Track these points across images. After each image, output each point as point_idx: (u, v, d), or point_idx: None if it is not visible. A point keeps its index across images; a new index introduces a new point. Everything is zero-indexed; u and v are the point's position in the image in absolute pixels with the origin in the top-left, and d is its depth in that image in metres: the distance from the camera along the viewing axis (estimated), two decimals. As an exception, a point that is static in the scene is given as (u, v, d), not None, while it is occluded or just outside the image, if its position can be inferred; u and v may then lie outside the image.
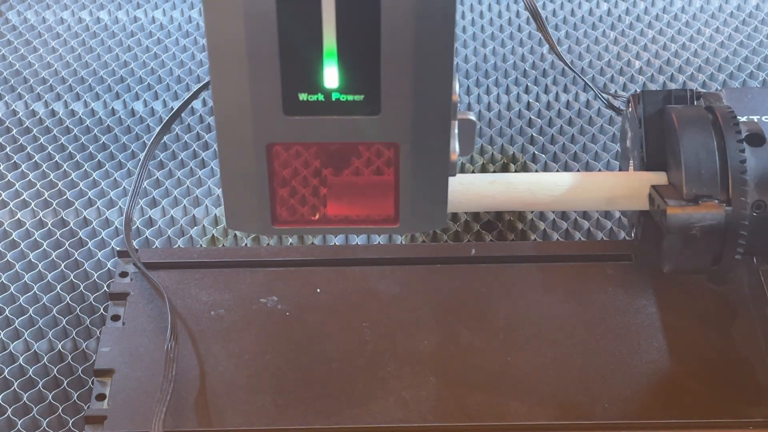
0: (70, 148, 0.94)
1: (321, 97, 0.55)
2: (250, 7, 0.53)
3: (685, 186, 0.68)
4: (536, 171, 0.92)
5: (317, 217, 0.61)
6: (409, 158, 0.58)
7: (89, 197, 0.90)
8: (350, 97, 0.55)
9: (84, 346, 0.77)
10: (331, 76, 0.55)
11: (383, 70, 0.54)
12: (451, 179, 0.72)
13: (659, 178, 0.72)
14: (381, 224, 0.62)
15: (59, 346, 0.78)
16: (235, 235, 0.86)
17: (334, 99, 0.55)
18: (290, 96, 0.55)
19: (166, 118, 0.91)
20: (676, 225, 0.68)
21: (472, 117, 0.61)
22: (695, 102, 0.74)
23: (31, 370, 0.76)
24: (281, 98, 0.55)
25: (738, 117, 0.70)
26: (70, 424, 0.73)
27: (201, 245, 0.86)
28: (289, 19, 0.53)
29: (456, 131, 0.59)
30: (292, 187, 0.60)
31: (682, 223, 0.67)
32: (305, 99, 0.56)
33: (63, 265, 0.83)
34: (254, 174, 0.58)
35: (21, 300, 0.80)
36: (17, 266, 0.83)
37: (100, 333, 0.76)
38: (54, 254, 0.84)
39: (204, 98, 0.99)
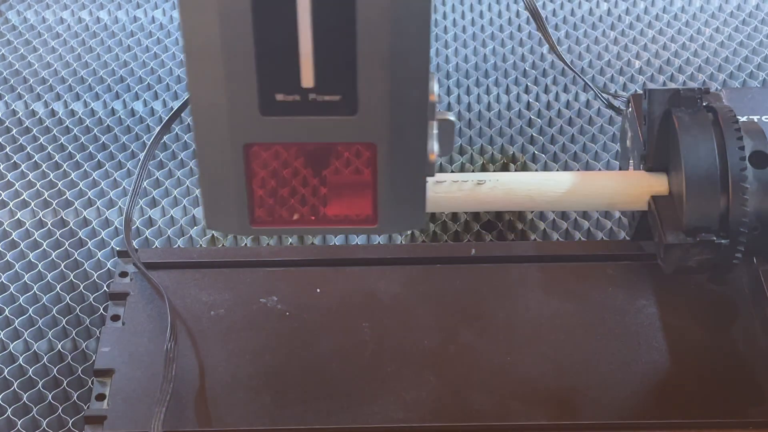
0: (70, 148, 0.94)
1: (298, 96, 0.55)
2: (225, 6, 0.52)
3: (685, 218, 0.68)
4: (536, 171, 0.92)
5: (296, 217, 0.61)
6: (387, 158, 0.57)
7: (89, 197, 0.90)
8: (327, 97, 0.55)
9: (84, 346, 0.77)
10: (307, 76, 0.54)
11: (359, 69, 0.54)
12: (447, 179, 0.72)
13: (659, 180, 0.72)
14: (359, 224, 0.61)
15: (59, 346, 0.78)
16: (235, 235, 0.86)
17: (310, 99, 0.55)
18: (267, 96, 0.55)
19: (166, 118, 0.91)
20: (673, 258, 0.68)
21: (451, 117, 0.60)
22: (702, 100, 0.73)
23: (31, 370, 0.76)
24: (258, 98, 0.55)
25: (738, 117, 0.70)
26: (70, 424, 0.73)
27: (201, 245, 0.85)
28: (264, 17, 0.53)
29: (435, 131, 0.59)
30: (270, 187, 0.59)
31: (679, 257, 0.68)
32: (282, 99, 0.55)
33: (63, 265, 0.83)
34: (232, 174, 0.58)
35: (21, 300, 0.80)
36: (17, 266, 0.83)
37: (99, 333, 0.76)
38: (54, 254, 0.84)
39: (204, 98, 0.99)
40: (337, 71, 0.54)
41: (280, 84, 0.55)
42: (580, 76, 0.94)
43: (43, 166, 0.92)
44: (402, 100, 0.55)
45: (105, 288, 0.81)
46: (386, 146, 0.57)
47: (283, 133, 0.57)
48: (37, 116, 0.98)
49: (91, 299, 0.80)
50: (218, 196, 0.60)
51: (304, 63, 0.54)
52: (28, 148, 0.94)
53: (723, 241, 0.67)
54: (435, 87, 0.57)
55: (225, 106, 0.55)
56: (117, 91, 1.01)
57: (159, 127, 0.90)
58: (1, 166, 0.93)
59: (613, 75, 1.02)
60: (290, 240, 0.86)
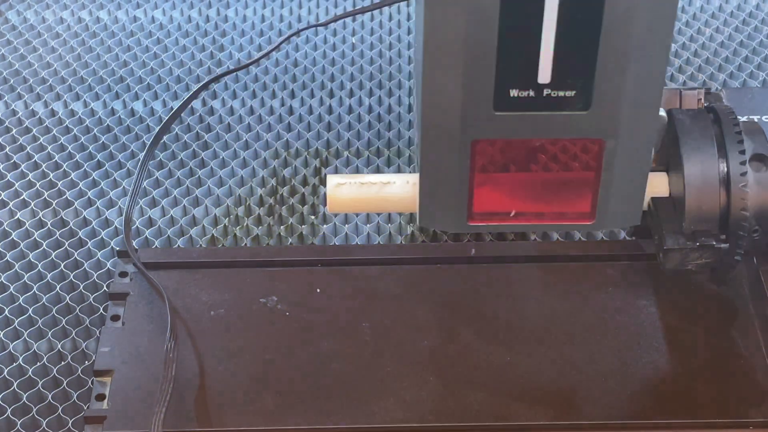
0: (69, 148, 0.94)
1: (532, 92, 0.55)
2: (473, 2, 0.52)
3: (685, 221, 0.68)
4: (536, 171, 0.92)
5: (513, 213, 0.61)
6: (614, 154, 0.57)
7: (89, 197, 0.90)
8: (561, 93, 0.55)
9: (84, 346, 0.77)
10: (545, 72, 0.54)
11: (599, 65, 0.54)
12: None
13: (659, 180, 0.72)
14: (576, 221, 0.62)
15: (59, 346, 0.77)
16: (235, 235, 0.86)
17: (545, 94, 0.55)
18: (502, 92, 0.55)
19: (166, 118, 0.91)
20: (672, 263, 0.69)
21: (663, 113, 0.61)
22: (702, 100, 0.73)
23: (30, 370, 0.76)
24: (493, 94, 0.55)
25: (738, 117, 0.70)
26: (70, 424, 0.72)
27: (201, 245, 0.85)
28: (511, 14, 0.53)
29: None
30: (491, 183, 0.59)
31: (678, 261, 0.69)
32: (516, 95, 0.55)
33: (63, 265, 0.83)
34: (456, 170, 0.58)
35: (21, 300, 0.80)
36: (17, 266, 0.83)
37: (99, 333, 0.76)
38: (54, 254, 0.84)
39: (204, 98, 0.99)
40: (575, 67, 0.54)
41: (517, 80, 0.55)
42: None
43: (43, 166, 0.92)
44: (636, 96, 0.55)
45: (105, 288, 0.81)
46: (615, 141, 0.57)
47: (514, 129, 0.57)
48: (37, 116, 0.98)
49: (91, 299, 0.80)
50: (438, 192, 0.59)
51: (544, 59, 0.54)
52: (28, 148, 0.94)
53: (723, 245, 0.67)
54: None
55: (458, 102, 0.55)
56: (117, 91, 1.01)
57: (159, 127, 0.91)
58: (1, 166, 0.93)
59: (613, 75, 1.02)
60: (290, 240, 0.86)
